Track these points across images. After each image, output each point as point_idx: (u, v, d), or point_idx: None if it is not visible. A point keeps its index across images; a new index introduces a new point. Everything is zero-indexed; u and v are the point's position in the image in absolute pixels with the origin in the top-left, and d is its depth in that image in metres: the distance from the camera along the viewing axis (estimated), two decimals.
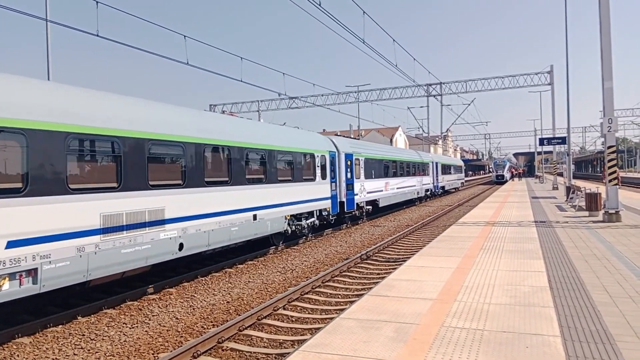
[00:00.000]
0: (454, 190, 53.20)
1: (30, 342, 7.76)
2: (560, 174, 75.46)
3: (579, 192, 22.48)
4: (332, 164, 19.75)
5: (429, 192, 39.17)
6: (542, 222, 16.52)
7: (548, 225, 15.62)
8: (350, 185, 21.66)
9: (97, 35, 17.11)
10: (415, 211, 30.06)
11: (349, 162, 21.73)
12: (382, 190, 26.58)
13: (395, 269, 10.98)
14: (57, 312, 8.86)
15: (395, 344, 5.31)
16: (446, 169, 47.66)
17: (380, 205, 26.34)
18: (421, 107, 58.16)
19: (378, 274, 12.44)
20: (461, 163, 61.48)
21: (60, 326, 8.52)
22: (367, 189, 24.03)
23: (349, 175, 21.52)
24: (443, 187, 45.18)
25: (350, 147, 22.55)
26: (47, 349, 7.49)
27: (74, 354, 7.27)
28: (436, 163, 41.90)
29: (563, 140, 35.68)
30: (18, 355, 7.22)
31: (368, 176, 24.31)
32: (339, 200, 20.26)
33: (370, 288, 9.75)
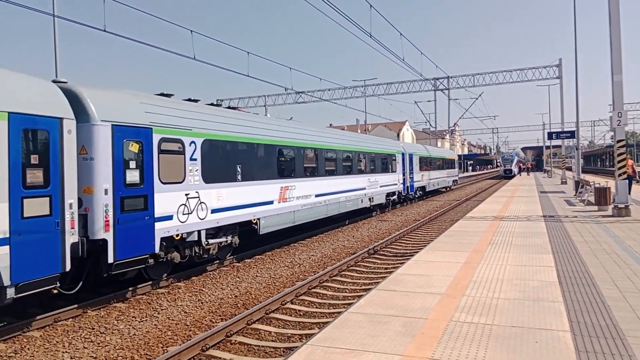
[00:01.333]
0: (444, 190, 43.33)
1: (41, 336, 7.83)
2: (569, 168, 74.98)
3: (587, 187, 22.33)
4: (36, 150, 7.79)
5: (394, 197, 27.38)
6: (550, 216, 16.42)
7: (557, 219, 15.53)
8: (136, 200, 9.65)
9: (104, 31, 17.18)
10: (422, 206, 29.98)
11: (134, 147, 9.62)
12: (270, 202, 14.50)
13: (403, 263, 10.97)
14: (67, 306, 8.93)
15: (403, 339, 5.30)
16: (428, 163, 35.50)
17: (264, 231, 14.16)
18: (428, 101, 58.16)
19: (386, 268, 12.43)
20: (453, 156, 47.65)
21: (70, 320, 8.60)
22: (215, 205, 11.96)
23: (133, 176, 9.56)
24: (423, 188, 33.84)
25: (147, 113, 10.08)
26: (57, 342, 7.56)
27: (84, 347, 7.33)
28: (410, 155, 30.49)
29: (572, 134, 35.42)
30: (29, 349, 7.29)
31: (216, 177, 12.06)
32: (67, 245, 8.14)
33: (378, 282, 9.74)
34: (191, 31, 21.23)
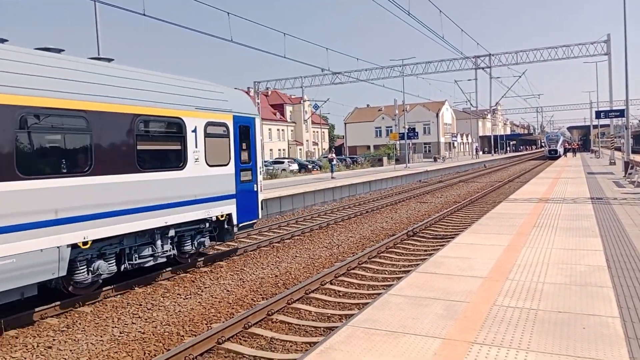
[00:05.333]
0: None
1: (91, 311, 8.18)
2: (618, 149, 71.91)
3: (638, 168, 21.39)
4: None
5: None
6: (598, 198, 15.84)
7: (605, 202, 14.96)
8: None
9: (144, 15, 17.44)
10: (462, 187, 29.46)
11: None
12: None
13: (443, 246, 10.83)
14: (115, 283, 9.28)
15: (445, 322, 5.26)
16: None
17: None
18: (469, 80, 56.70)
19: (425, 250, 12.32)
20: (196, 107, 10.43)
21: (118, 296, 8.94)
22: None
23: None
24: None
25: None
26: (106, 317, 7.88)
27: (132, 323, 7.61)
28: None
29: (621, 113, 33.92)
30: (80, 324, 7.63)
31: None
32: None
33: (418, 265, 9.66)
34: (228, 13, 21.30)
